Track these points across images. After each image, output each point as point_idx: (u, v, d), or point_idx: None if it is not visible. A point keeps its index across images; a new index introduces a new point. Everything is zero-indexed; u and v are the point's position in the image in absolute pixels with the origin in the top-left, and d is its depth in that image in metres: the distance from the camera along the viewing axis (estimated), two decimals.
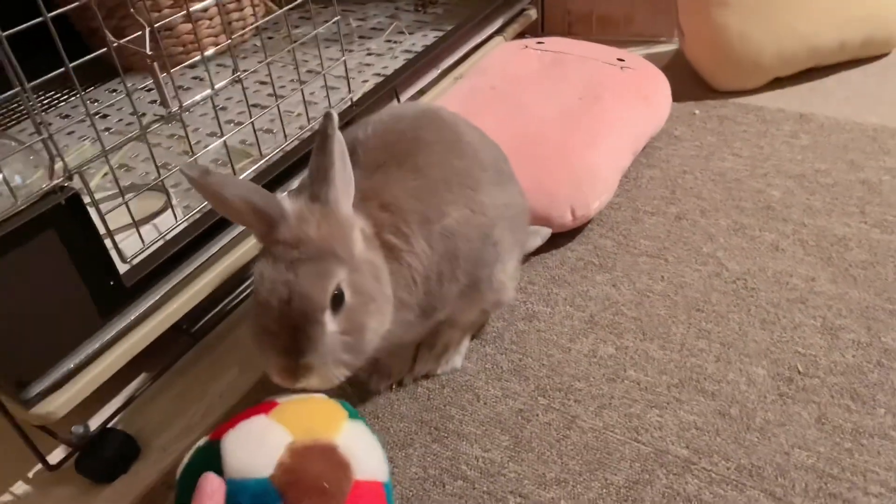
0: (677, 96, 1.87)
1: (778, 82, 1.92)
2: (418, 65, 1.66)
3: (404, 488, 1.06)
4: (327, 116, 0.90)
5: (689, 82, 1.97)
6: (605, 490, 1.03)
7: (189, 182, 0.89)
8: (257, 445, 0.78)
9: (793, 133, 1.73)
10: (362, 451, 0.83)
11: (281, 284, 0.85)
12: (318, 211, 0.91)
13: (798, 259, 1.37)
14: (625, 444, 1.09)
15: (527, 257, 1.43)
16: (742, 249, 1.41)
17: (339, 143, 0.91)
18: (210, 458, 0.78)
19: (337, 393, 0.91)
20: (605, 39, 1.99)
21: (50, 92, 1.78)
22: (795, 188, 1.55)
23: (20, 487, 1.15)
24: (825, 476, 1.01)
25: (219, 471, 0.76)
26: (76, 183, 0.99)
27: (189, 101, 1.13)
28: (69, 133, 1.62)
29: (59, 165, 0.99)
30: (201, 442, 0.84)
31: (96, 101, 1.75)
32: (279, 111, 1.33)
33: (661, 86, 1.75)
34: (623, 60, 1.77)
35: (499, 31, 2.00)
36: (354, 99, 1.47)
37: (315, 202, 0.91)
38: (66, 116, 1.69)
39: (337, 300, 0.88)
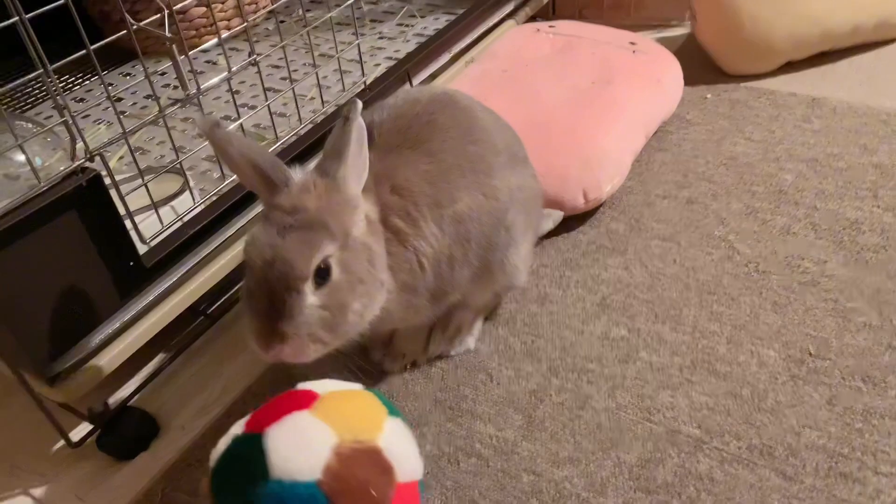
0: (689, 80, 1.86)
1: (790, 66, 1.92)
2: (430, 48, 1.66)
3: None
4: (352, 102, 0.91)
5: (701, 66, 1.96)
6: (617, 469, 1.04)
7: (199, 132, 0.91)
8: (304, 446, 0.78)
9: (805, 117, 1.73)
10: (403, 451, 0.84)
11: (267, 247, 0.87)
12: (324, 185, 0.92)
13: (810, 242, 1.37)
14: (637, 424, 1.10)
15: (539, 240, 1.44)
16: (754, 233, 1.41)
17: (358, 128, 0.92)
18: (253, 453, 0.77)
19: (345, 374, 0.92)
20: (615, 23, 1.98)
21: (65, 76, 1.79)
22: (807, 172, 1.55)
23: (44, 464, 1.17)
24: (836, 456, 1.02)
25: (263, 467, 0.75)
26: (96, 165, 1.01)
27: (207, 84, 1.14)
28: (84, 117, 1.63)
29: (79, 147, 1.01)
30: (237, 430, 0.83)
31: (111, 84, 1.76)
32: (294, 94, 1.34)
33: (672, 69, 1.74)
34: (635, 44, 1.77)
35: (510, 15, 2.00)
36: (367, 82, 1.48)
37: (324, 177, 0.93)
38: (81, 100, 1.71)
39: (322, 274, 0.89)
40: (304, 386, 0.88)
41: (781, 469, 1.02)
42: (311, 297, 0.88)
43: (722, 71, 1.93)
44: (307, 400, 0.83)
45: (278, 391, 0.88)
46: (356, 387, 0.90)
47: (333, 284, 0.90)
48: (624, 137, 1.54)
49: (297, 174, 0.93)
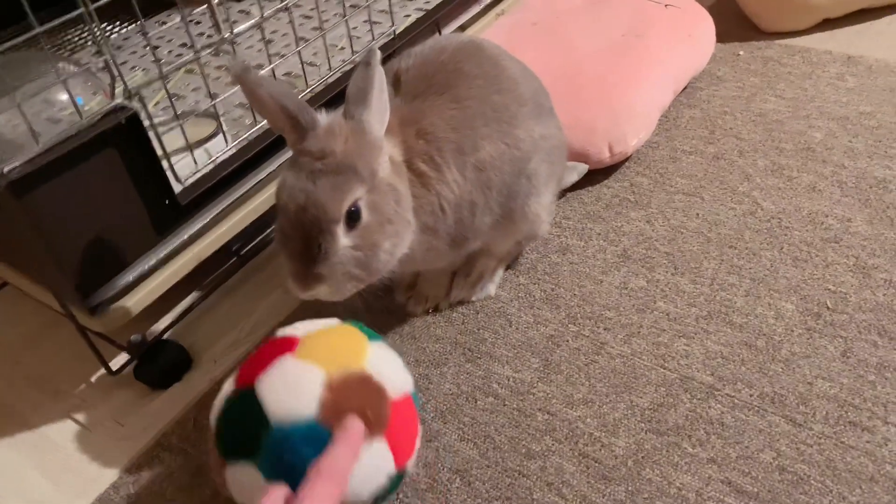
0: (722, 37, 1.84)
1: (827, 23, 1.88)
2: None
3: (438, 402, 1.12)
4: (371, 51, 0.94)
5: (735, 23, 1.93)
6: (629, 411, 1.08)
7: (231, 76, 0.94)
8: (295, 388, 0.80)
9: (839, 75, 1.70)
10: (390, 370, 0.87)
11: (299, 191, 0.90)
12: (349, 128, 0.94)
13: (835, 200, 1.37)
14: (651, 370, 1.13)
15: (563, 193, 1.46)
16: (778, 189, 1.41)
17: (379, 74, 0.94)
18: (249, 408, 0.79)
19: (349, 314, 0.96)
20: None
21: (104, 23, 1.82)
22: (838, 130, 1.54)
23: (85, 390, 1.24)
24: (846, 405, 1.04)
25: (262, 418, 0.78)
26: (135, 105, 1.05)
27: (240, 28, 1.16)
28: (121, 63, 1.67)
29: (118, 88, 1.05)
30: (228, 389, 0.85)
31: (147, 32, 1.79)
32: (324, 42, 1.36)
33: (704, 25, 1.72)
34: None
35: None
36: (397, 31, 1.49)
37: (349, 120, 0.95)
38: (118, 48, 1.75)
39: (353, 216, 0.92)
40: (283, 332, 0.90)
41: (791, 416, 1.04)
42: (343, 239, 0.92)
43: (756, 28, 1.90)
44: (289, 345, 0.85)
45: None
46: (333, 322, 0.92)
47: (364, 225, 0.94)
48: (652, 92, 1.53)
49: (323, 118, 0.96)
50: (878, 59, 1.73)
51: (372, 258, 0.95)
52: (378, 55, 0.94)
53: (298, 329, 0.89)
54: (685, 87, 1.70)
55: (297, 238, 0.91)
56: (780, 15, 1.86)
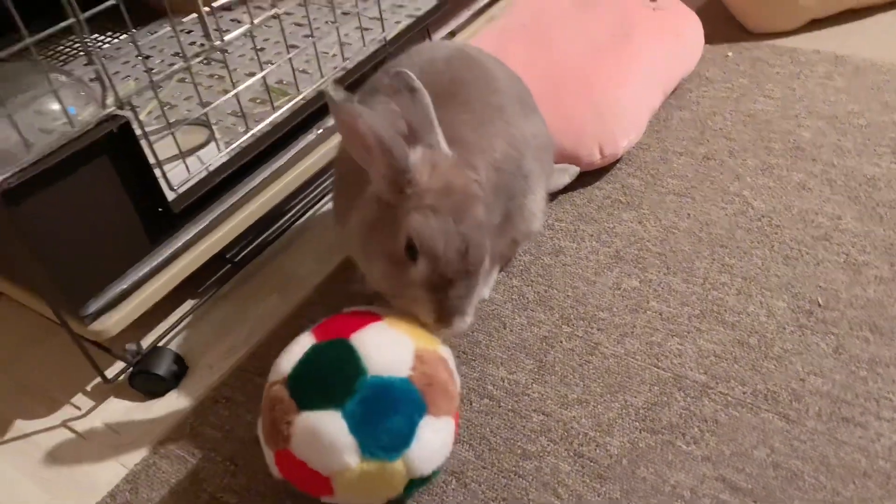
0: (711, 38, 1.85)
1: (815, 24, 1.89)
2: (449, 5, 1.67)
3: None
4: (404, 73, 0.92)
5: (724, 24, 1.94)
6: (624, 410, 1.08)
7: (329, 105, 0.90)
8: (391, 348, 0.86)
9: (827, 74, 1.71)
10: (453, 364, 0.95)
11: (455, 235, 0.89)
12: (441, 158, 0.94)
13: (825, 198, 1.38)
14: (645, 370, 1.13)
15: (555, 195, 1.47)
16: (769, 189, 1.42)
17: (426, 94, 0.94)
18: (344, 356, 0.84)
19: None
20: None
21: (93, 35, 1.83)
22: (827, 129, 1.55)
23: (80, 398, 1.24)
24: (839, 401, 1.05)
25: (359, 365, 0.83)
26: (126, 114, 1.05)
27: (230, 36, 1.17)
28: (113, 73, 1.67)
29: (110, 98, 1.05)
30: (309, 341, 0.89)
31: (139, 42, 1.80)
32: (315, 50, 1.37)
33: (692, 26, 1.74)
34: (655, 0, 1.76)
35: None
36: (387, 38, 1.50)
37: (428, 149, 0.94)
38: (110, 57, 1.75)
39: None
40: (358, 309, 0.95)
41: (784, 413, 1.05)
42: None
43: (745, 29, 1.92)
44: (374, 316, 0.91)
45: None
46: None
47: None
48: (641, 93, 1.55)
49: (411, 152, 0.92)
50: (865, 58, 1.74)
51: (484, 290, 1.01)
52: (415, 77, 0.93)
53: (375, 310, 0.94)
54: (675, 89, 1.71)
55: (458, 282, 0.91)
56: (768, 16, 1.88)
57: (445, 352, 0.94)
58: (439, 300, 0.92)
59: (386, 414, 0.82)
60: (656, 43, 1.62)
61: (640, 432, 1.05)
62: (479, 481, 1.02)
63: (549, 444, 1.05)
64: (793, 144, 1.52)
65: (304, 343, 0.90)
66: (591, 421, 1.07)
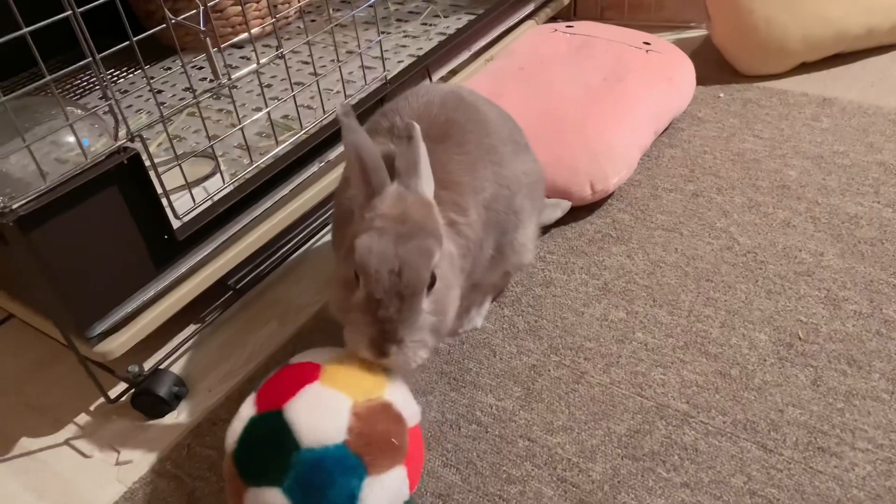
0: (704, 80, 1.92)
1: (804, 67, 1.96)
2: (450, 46, 1.75)
3: (424, 430, 1.15)
4: (410, 124, 0.98)
5: (716, 67, 2.01)
6: (607, 437, 1.11)
7: (339, 119, 0.99)
8: (324, 413, 0.83)
9: (814, 116, 1.77)
10: (405, 400, 0.92)
11: (392, 256, 0.90)
12: (413, 196, 0.97)
13: (808, 235, 1.43)
14: (629, 398, 1.17)
15: (547, 229, 1.52)
16: (755, 225, 1.47)
17: (422, 145, 0.99)
18: (277, 430, 0.82)
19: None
20: (636, 24, 2.05)
21: (110, 70, 1.92)
22: (812, 168, 1.60)
23: (83, 418, 1.29)
24: (816, 432, 1.08)
25: (292, 439, 0.81)
26: (136, 146, 1.12)
27: (237, 75, 1.24)
28: (127, 107, 1.76)
29: (122, 130, 1.12)
30: (249, 411, 0.87)
31: (152, 77, 1.88)
32: (318, 88, 1.44)
33: (684, 68, 1.80)
34: (649, 44, 1.83)
35: (531, 16, 2.08)
36: (388, 77, 1.57)
37: (406, 189, 0.98)
38: (125, 91, 1.83)
39: (432, 280, 0.93)
40: (300, 358, 0.93)
41: (762, 442, 1.08)
42: (425, 304, 0.92)
43: (737, 72, 1.98)
44: (311, 372, 0.88)
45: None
46: (342, 351, 0.94)
47: (436, 290, 0.94)
48: (632, 132, 1.60)
49: (390, 187, 0.97)
50: (852, 100, 1.80)
51: (443, 323, 0.96)
52: (418, 128, 0.98)
53: (317, 356, 0.92)
54: (667, 128, 1.77)
55: (388, 303, 0.89)
56: (759, 60, 1.94)
57: (392, 393, 0.90)
58: (372, 324, 0.90)
59: (323, 487, 0.81)
60: (649, 86, 1.69)
61: (622, 459, 1.08)
62: None
63: (533, 469, 1.08)
64: (779, 183, 1.57)
65: (243, 415, 0.88)
66: (575, 447, 1.11)
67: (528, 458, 1.10)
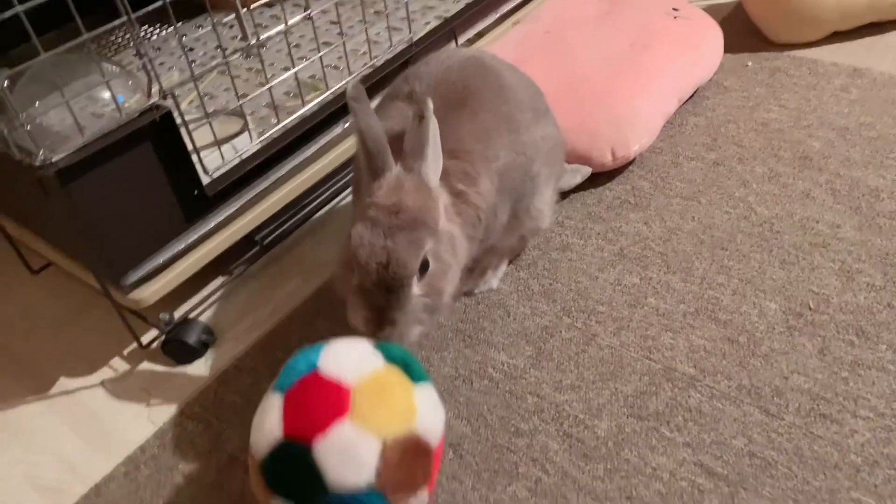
0: (733, 48, 1.90)
1: (836, 36, 1.92)
2: (477, 8, 1.75)
3: (437, 384, 1.20)
4: (424, 101, 1.00)
5: (746, 34, 1.99)
6: (613, 397, 1.15)
7: (348, 96, 1.03)
8: (353, 459, 0.84)
9: (843, 87, 1.75)
10: (433, 419, 0.94)
11: (380, 249, 0.96)
12: (413, 181, 1.02)
13: (827, 207, 1.43)
14: (637, 361, 1.20)
15: (566, 194, 1.54)
16: (773, 196, 1.48)
17: (433, 125, 1.01)
18: (306, 467, 0.84)
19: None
20: None
21: (143, 26, 1.96)
22: (836, 140, 1.59)
23: (117, 361, 1.36)
24: (819, 399, 1.11)
25: (318, 483, 0.83)
26: (169, 104, 1.16)
27: (265, 35, 1.27)
28: (160, 63, 1.80)
29: (154, 88, 1.16)
30: (277, 436, 0.87)
31: (184, 35, 1.92)
32: (345, 50, 1.47)
33: (712, 36, 1.79)
34: (678, 10, 1.81)
35: None
36: (414, 39, 1.59)
37: (409, 172, 1.02)
38: (158, 49, 1.87)
39: (423, 267, 0.99)
40: (329, 370, 0.91)
41: (765, 407, 1.11)
42: (415, 289, 0.99)
43: (767, 39, 1.96)
44: (342, 402, 0.87)
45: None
46: (378, 364, 0.94)
47: (430, 273, 1.00)
48: (655, 100, 1.61)
49: (390, 172, 1.02)
50: (883, 71, 1.77)
51: (438, 302, 1.03)
52: (431, 106, 1.00)
53: (345, 368, 0.91)
54: (692, 96, 1.77)
55: (378, 292, 0.97)
56: (791, 27, 1.91)
57: (421, 417, 0.91)
58: (366, 307, 0.98)
59: None
60: (675, 53, 1.68)
61: (627, 418, 1.12)
62: (474, 454, 1.10)
63: (540, 424, 1.13)
64: (802, 154, 1.57)
65: (270, 430, 0.88)
66: (582, 405, 1.15)
67: (536, 414, 1.15)
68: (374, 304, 0.98)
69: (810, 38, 1.92)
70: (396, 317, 0.98)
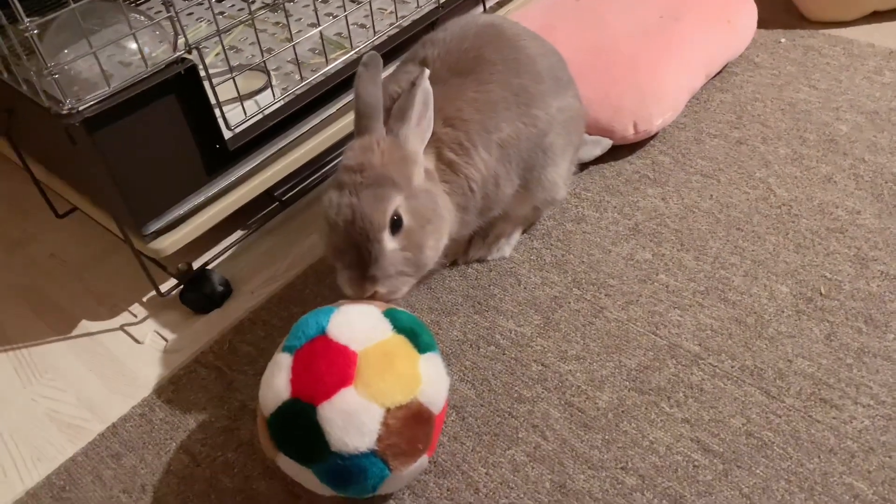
0: (767, 23, 1.86)
1: (876, 16, 1.87)
2: None
3: (445, 347, 1.24)
4: (421, 70, 1.04)
5: (782, 10, 1.94)
6: (617, 370, 1.17)
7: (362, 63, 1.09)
8: (356, 424, 0.87)
9: (877, 69, 1.71)
10: (437, 387, 0.96)
11: (345, 207, 1.00)
12: (388, 142, 1.05)
13: (848, 192, 1.42)
14: (643, 336, 1.22)
15: (585, 165, 1.54)
16: (794, 178, 1.46)
17: (424, 92, 1.05)
18: (311, 429, 0.88)
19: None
20: None
21: None
22: (865, 124, 1.57)
23: (137, 307, 1.41)
24: (821, 384, 1.12)
25: (322, 443, 0.87)
26: (194, 57, 1.17)
27: None
28: (188, 14, 1.81)
29: (181, 41, 1.17)
30: (284, 397, 0.90)
31: None
32: (371, 8, 1.46)
33: (746, 10, 1.75)
34: None
35: None
36: (441, 1, 1.58)
37: (389, 135, 1.06)
38: None
39: (396, 223, 1.01)
40: (339, 332, 0.93)
41: (766, 389, 1.12)
42: (390, 244, 1.02)
43: (803, 16, 1.91)
44: (348, 367, 0.90)
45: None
46: (386, 333, 0.95)
47: (406, 229, 1.03)
48: (683, 74, 1.59)
49: (370, 135, 1.06)
50: None
51: (419, 256, 1.06)
52: (426, 74, 1.04)
53: (354, 335, 0.93)
54: (721, 71, 1.74)
55: (350, 249, 1.01)
56: (828, 4, 1.87)
57: (425, 387, 0.93)
58: (346, 267, 1.02)
59: (349, 481, 0.90)
60: (706, 27, 1.65)
61: (629, 391, 1.14)
62: (476, 417, 1.13)
63: (543, 392, 1.15)
64: (827, 136, 1.55)
65: (278, 390, 0.91)
66: (586, 376, 1.17)
67: (539, 382, 1.17)
68: (352, 263, 1.01)
69: (848, 17, 1.87)
70: (376, 273, 1.01)
